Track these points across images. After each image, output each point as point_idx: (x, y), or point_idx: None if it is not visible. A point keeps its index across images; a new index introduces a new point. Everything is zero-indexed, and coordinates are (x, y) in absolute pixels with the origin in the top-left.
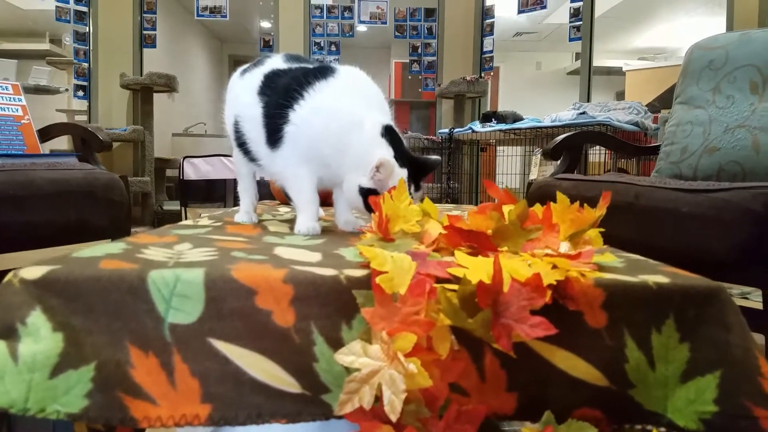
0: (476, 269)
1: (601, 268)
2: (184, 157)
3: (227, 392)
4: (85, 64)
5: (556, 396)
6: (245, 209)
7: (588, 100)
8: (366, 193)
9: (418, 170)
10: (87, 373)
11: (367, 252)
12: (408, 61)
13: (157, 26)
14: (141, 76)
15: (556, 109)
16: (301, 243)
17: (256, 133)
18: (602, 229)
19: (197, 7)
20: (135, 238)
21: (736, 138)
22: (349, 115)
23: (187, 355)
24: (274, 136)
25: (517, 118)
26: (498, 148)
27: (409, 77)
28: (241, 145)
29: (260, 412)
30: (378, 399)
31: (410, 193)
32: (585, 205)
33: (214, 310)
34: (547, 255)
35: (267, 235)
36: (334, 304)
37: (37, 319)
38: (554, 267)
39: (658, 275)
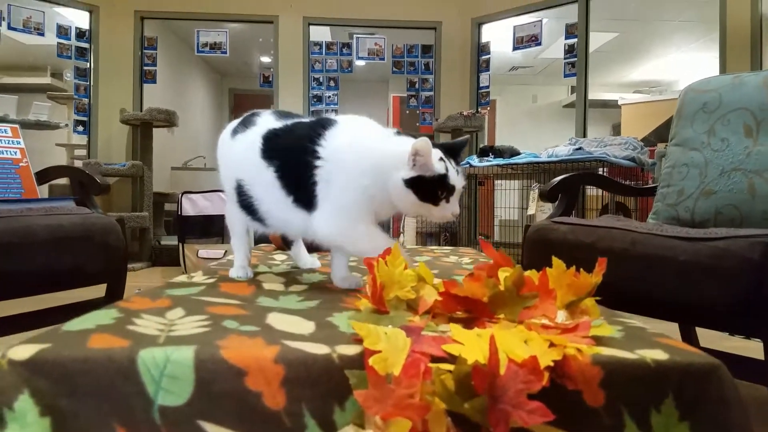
0: (472, 346)
1: (598, 341)
2: (183, 193)
3: None
4: (86, 100)
5: None
6: (240, 264)
7: (584, 135)
8: (413, 184)
9: (447, 150)
10: None
11: (359, 329)
12: (406, 95)
13: (157, 61)
14: (141, 111)
15: (553, 141)
16: (295, 307)
17: (272, 197)
18: (599, 298)
19: (197, 44)
20: (128, 303)
21: (732, 181)
22: (370, 141)
23: None
24: (307, 197)
25: (514, 153)
26: (496, 181)
27: (407, 111)
28: (247, 206)
29: None
30: None
31: (455, 168)
32: (581, 270)
33: (204, 391)
34: (544, 326)
35: (261, 295)
36: (326, 385)
37: (24, 403)
38: (552, 345)
39: (656, 350)
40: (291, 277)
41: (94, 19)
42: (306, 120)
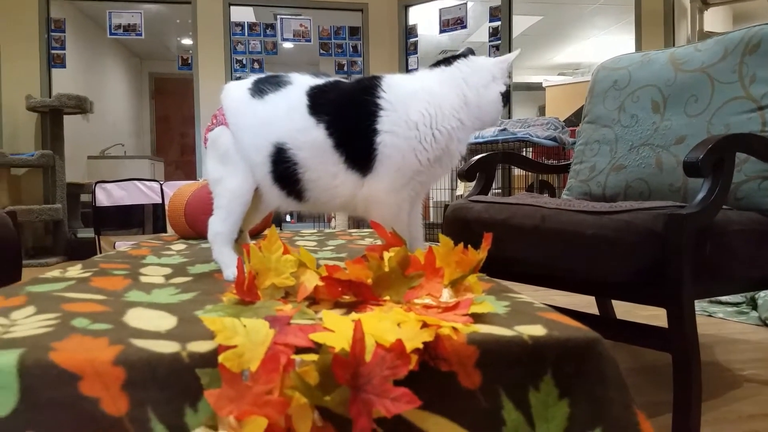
0: (343, 333)
1: (478, 318)
2: (96, 183)
3: None
4: None
5: None
6: (234, 258)
7: (509, 116)
8: (505, 94)
9: None
10: None
11: (211, 324)
12: None
13: (66, 45)
14: (49, 97)
15: None
16: (164, 301)
17: (321, 160)
18: (482, 275)
19: (110, 26)
20: None
21: (640, 156)
22: (438, 83)
23: None
24: (363, 155)
25: None
26: None
27: None
28: (287, 177)
29: None
30: None
31: None
32: (469, 246)
33: (31, 400)
34: (425, 306)
35: (133, 289)
36: (175, 387)
37: None
38: (425, 325)
39: (536, 325)
40: (179, 267)
41: None
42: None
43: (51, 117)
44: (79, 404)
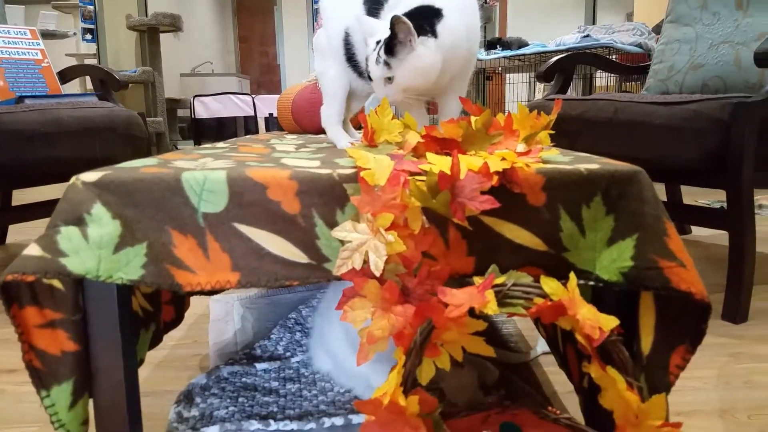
0: (441, 165)
1: (545, 161)
2: (195, 96)
3: (251, 263)
4: (91, 7)
5: (505, 258)
6: (346, 136)
7: (593, 23)
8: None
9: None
10: (141, 249)
11: (353, 153)
12: None
13: None
14: (146, 16)
15: (569, 31)
16: (304, 155)
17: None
18: (552, 132)
19: None
20: (163, 156)
21: (719, 54)
22: None
23: (218, 236)
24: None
25: (522, 44)
26: (506, 75)
27: None
28: (351, 57)
29: (277, 277)
30: (365, 262)
31: (378, 58)
32: (541, 113)
33: (236, 201)
34: (503, 155)
35: (275, 152)
36: (330, 195)
37: (98, 210)
38: (503, 159)
39: (592, 164)
40: (302, 144)
41: None
42: None
43: (149, 35)
44: (267, 204)
